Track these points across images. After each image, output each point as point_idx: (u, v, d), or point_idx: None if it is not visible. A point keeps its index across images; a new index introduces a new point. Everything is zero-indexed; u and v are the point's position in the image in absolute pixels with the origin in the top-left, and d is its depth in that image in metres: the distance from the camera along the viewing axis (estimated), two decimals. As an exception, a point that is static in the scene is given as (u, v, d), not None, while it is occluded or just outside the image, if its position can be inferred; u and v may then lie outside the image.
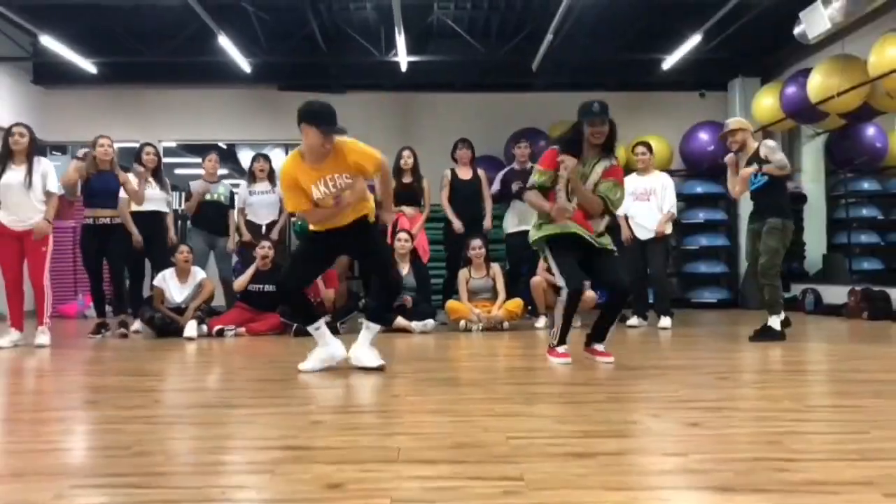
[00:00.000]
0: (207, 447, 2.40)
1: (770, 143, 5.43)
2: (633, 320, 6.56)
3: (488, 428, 2.57)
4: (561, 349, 4.21)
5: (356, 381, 3.71)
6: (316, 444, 2.39)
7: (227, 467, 2.15)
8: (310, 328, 4.02)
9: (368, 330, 4.06)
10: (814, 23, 6.46)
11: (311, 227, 4.06)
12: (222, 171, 8.97)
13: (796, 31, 6.98)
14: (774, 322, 5.33)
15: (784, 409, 2.86)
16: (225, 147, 10.98)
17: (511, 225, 7.31)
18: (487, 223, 7.22)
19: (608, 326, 4.26)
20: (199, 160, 11.58)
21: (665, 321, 6.40)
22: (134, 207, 6.38)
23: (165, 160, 10.38)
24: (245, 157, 11.33)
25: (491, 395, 3.28)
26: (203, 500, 1.81)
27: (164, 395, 3.40)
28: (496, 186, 7.45)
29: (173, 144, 11.03)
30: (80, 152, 6.69)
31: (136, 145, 9.69)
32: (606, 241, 4.25)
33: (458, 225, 7.06)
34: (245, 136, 10.48)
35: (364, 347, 4.01)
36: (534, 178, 4.26)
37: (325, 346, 3.98)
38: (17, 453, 2.35)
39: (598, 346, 4.26)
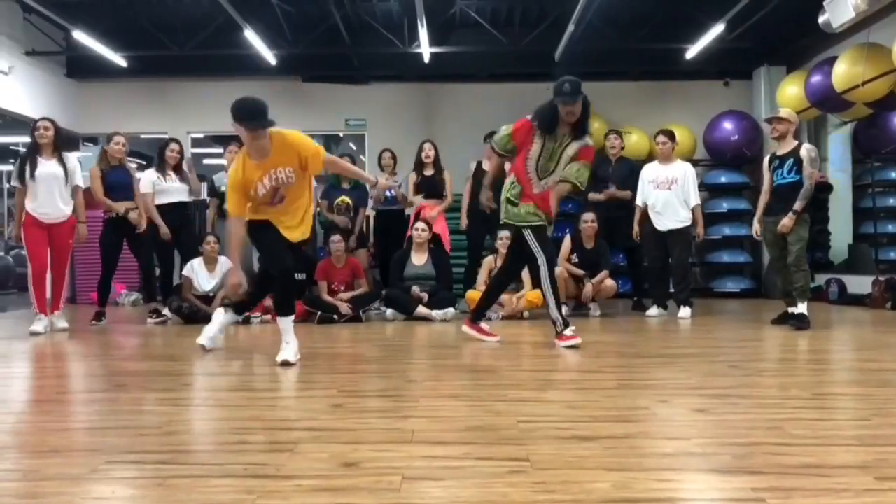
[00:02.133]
0: (232, 427, 2.53)
1: (814, 152, 5.63)
2: (653, 310, 6.61)
3: (500, 412, 2.67)
4: (568, 331, 4.39)
5: (375, 367, 3.83)
6: (334, 425, 2.51)
7: (250, 446, 2.27)
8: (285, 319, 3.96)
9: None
10: (838, 11, 6.42)
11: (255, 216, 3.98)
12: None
13: (821, 19, 6.93)
14: (804, 308, 5.44)
15: (790, 397, 2.92)
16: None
17: None
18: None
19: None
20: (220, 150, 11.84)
21: (684, 311, 6.43)
22: (158, 200, 6.59)
23: (194, 150, 10.64)
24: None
25: (505, 381, 3.38)
26: (226, 476, 1.94)
27: (191, 379, 3.56)
28: None
29: (201, 135, 11.24)
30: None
31: (166, 136, 10.00)
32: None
33: (463, 221, 7.21)
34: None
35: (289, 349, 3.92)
36: (499, 136, 4.57)
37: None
38: (56, 431, 2.50)
39: (483, 325, 4.86)
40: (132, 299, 8.87)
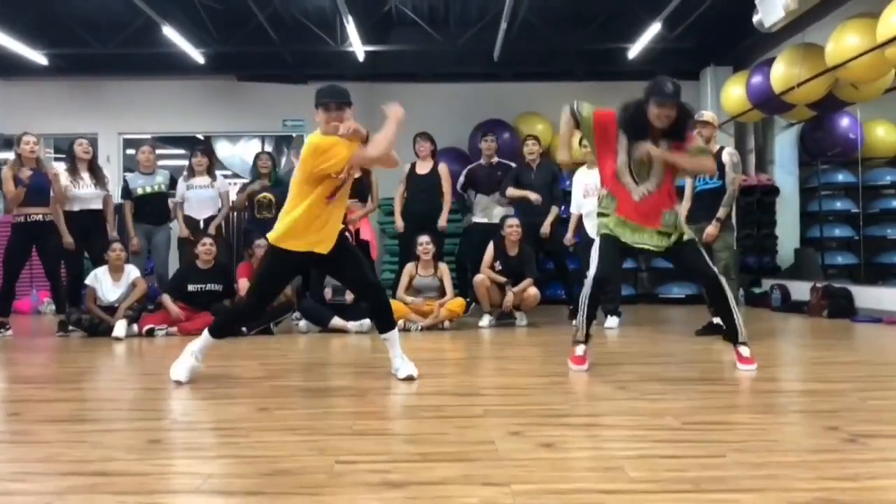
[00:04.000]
0: (11, 472, 2.24)
1: (736, 157, 5.45)
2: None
3: (324, 450, 2.40)
4: (578, 351, 3.87)
5: (237, 391, 3.54)
6: (125, 468, 2.22)
7: (11, 499, 1.98)
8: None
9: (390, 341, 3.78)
10: (768, 10, 6.22)
11: (285, 245, 3.57)
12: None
13: (754, 19, 6.74)
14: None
15: (657, 427, 2.67)
16: (203, 138, 10.72)
17: (475, 216, 7.25)
18: (442, 222, 6.99)
19: (724, 318, 3.98)
20: (179, 151, 11.45)
21: (611, 321, 6.19)
22: (68, 206, 6.26)
23: (131, 151, 10.25)
24: (221, 149, 11.15)
25: (363, 408, 3.11)
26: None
27: (26, 407, 3.24)
28: (461, 181, 7.39)
29: (149, 136, 10.87)
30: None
31: (97, 138, 9.62)
32: (681, 230, 3.89)
33: (399, 224, 6.96)
34: (208, 128, 10.33)
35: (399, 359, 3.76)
36: (584, 107, 3.98)
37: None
38: None
39: (743, 350, 3.90)
40: (54, 308, 8.50)
